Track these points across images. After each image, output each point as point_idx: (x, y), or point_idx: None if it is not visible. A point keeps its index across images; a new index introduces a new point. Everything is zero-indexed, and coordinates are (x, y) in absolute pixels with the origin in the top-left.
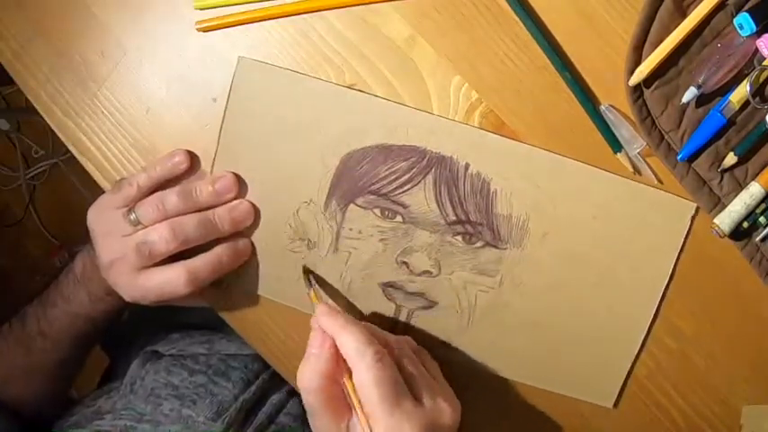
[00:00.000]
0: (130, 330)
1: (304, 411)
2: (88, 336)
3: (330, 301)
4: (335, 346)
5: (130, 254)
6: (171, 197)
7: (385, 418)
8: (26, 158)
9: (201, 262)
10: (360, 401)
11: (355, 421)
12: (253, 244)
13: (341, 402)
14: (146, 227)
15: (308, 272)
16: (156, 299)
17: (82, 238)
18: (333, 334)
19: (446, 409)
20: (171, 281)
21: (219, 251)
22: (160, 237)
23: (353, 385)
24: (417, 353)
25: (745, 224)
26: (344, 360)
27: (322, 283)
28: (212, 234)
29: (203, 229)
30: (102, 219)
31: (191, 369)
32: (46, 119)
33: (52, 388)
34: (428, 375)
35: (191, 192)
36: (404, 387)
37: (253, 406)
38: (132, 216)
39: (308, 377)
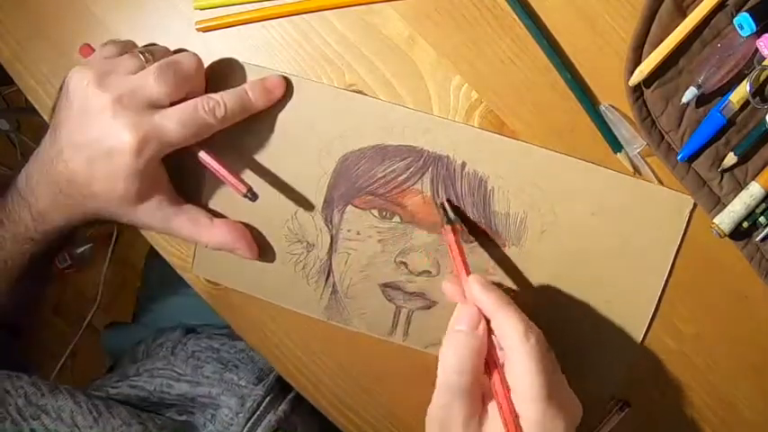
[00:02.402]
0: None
1: None
2: (35, 259)
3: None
4: (488, 325)
5: (149, 79)
6: None
7: (531, 410)
8: (26, 158)
9: (228, 94)
10: (507, 391)
11: (491, 417)
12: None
13: (479, 393)
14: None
15: (444, 205)
16: (179, 135)
17: (81, 237)
18: (490, 312)
19: (576, 402)
20: (196, 107)
21: (246, 85)
22: (189, 60)
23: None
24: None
25: (745, 224)
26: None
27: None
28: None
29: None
30: (99, 64)
31: (231, 336)
32: (46, 119)
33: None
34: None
35: None
36: (560, 376)
37: None
38: (144, 55)
39: (462, 354)
